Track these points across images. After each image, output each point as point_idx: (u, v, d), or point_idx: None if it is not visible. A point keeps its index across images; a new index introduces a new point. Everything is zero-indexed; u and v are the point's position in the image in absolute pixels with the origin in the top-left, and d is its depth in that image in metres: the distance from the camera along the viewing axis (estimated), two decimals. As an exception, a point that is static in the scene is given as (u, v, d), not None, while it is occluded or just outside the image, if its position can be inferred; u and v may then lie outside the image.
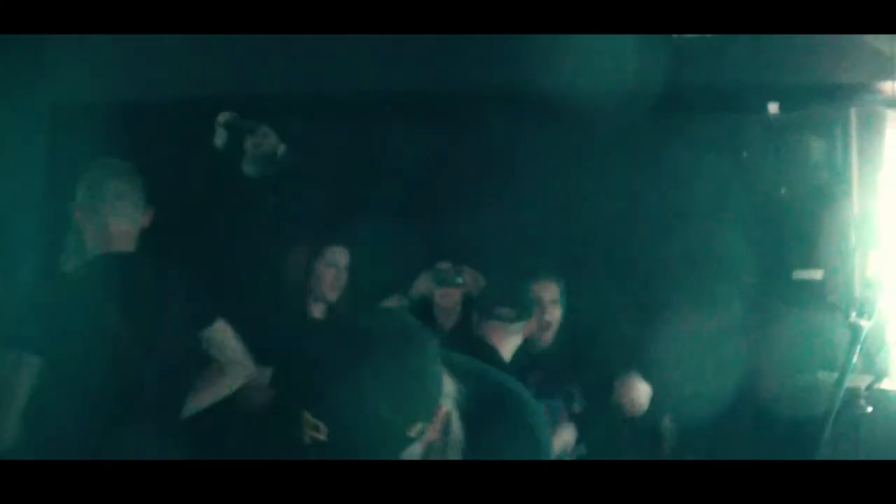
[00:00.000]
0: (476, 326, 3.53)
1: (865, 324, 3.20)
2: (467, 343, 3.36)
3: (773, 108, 4.14)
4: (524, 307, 3.54)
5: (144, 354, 3.04)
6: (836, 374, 3.20)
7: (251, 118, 3.82)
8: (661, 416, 4.01)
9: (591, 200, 4.27)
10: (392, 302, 3.81)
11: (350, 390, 1.69)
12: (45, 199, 3.90)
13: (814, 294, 3.94)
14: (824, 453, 3.09)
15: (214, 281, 3.39)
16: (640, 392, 3.76)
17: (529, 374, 3.65)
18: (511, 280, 3.64)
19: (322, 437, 1.68)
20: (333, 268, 3.73)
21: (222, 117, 3.79)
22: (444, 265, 3.89)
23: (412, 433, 1.73)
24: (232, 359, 3.23)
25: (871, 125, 4.04)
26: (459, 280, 3.82)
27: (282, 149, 3.79)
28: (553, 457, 2.47)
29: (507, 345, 3.51)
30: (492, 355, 3.37)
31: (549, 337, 3.85)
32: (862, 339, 3.20)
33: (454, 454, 1.81)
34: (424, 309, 3.76)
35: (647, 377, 3.87)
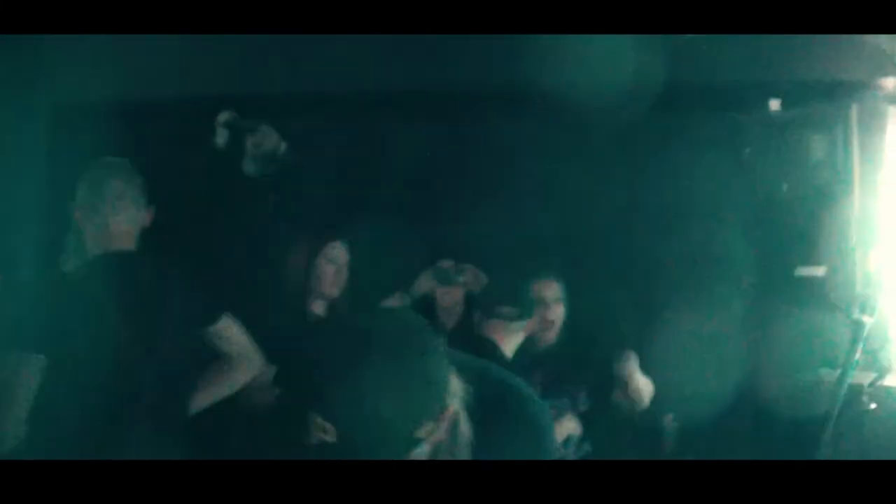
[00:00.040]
0: (478, 325, 3.54)
1: (867, 321, 3.20)
2: (469, 341, 3.37)
3: (774, 105, 4.14)
4: (525, 306, 3.54)
5: (146, 353, 3.05)
6: (838, 372, 3.20)
7: (252, 117, 3.82)
8: (663, 416, 4.01)
9: (592, 200, 4.27)
10: (393, 301, 3.81)
11: (358, 392, 1.69)
12: (46, 199, 3.90)
13: (815, 292, 3.94)
14: (827, 451, 3.09)
15: (215, 280, 3.39)
16: (637, 369, 3.77)
17: (533, 373, 3.65)
18: (512, 279, 3.64)
19: (331, 438, 1.67)
20: (334, 265, 3.73)
21: (223, 116, 3.80)
22: (446, 264, 3.89)
23: (421, 434, 1.73)
24: (242, 353, 3.24)
25: (871, 123, 4.04)
26: (460, 279, 3.82)
27: (283, 148, 3.80)
28: (557, 448, 2.47)
29: (509, 343, 3.51)
30: (494, 353, 3.37)
31: (552, 336, 3.85)
32: (864, 336, 3.19)
33: (463, 454, 1.81)
34: (426, 307, 3.77)
35: (649, 377, 3.88)
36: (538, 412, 2.09)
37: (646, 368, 3.86)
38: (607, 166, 4.27)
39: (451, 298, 3.85)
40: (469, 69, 4.07)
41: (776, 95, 4.13)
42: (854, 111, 4.07)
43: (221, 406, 3.30)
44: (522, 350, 3.58)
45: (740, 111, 4.29)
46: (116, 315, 2.98)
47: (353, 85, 4.10)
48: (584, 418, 3.75)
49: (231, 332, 3.22)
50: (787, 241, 4.07)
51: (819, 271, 3.95)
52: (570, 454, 3.65)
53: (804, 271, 3.98)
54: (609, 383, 3.81)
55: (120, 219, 3.13)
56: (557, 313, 3.87)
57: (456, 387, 1.80)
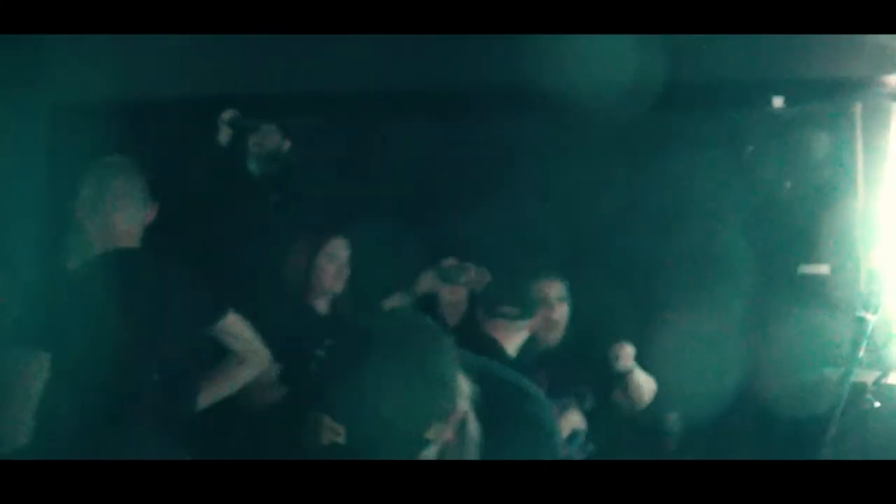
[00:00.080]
0: (480, 324, 3.53)
1: (871, 319, 3.19)
2: (472, 340, 3.36)
3: (776, 104, 4.13)
4: (527, 305, 3.54)
5: (152, 351, 3.05)
6: (842, 370, 3.18)
7: (254, 116, 3.83)
8: (667, 416, 4.00)
9: (593, 199, 4.27)
10: (395, 299, 3.82)
11: (369, 393, 1.69)
12: (48, 199, 3.91)
13: (818, 290, 3.93)
14: (831, 450, 3.07)
15: (219, 277, 3.40)
16: (635, 364, 3.76)
17: (538, 373, 3.65)
18: (514, 277, 3.64)
19: (341, 439, 1.68)
20: (334, 261, 3.73)
21: (226, 115, 3.81)
22: (449, 262, 3.89)
23: (430, 434, 1.73)
24: (249, 349, 3.26)
25: (876, 120, 4.03)
26: (461, 278, 3.82)
27: (285, 147, 3.81)
28: (563, 447, 2.47)
29: (512, 342, 3.51)
30: (496, 352, 3.37)
31: (556, 335, 3.85)
32: (868, 333, 3.18)
33: (471, 454, 1.81)
34: (428, 306, 3.77)
35: (655, 376, 3.87)
36: (543, 411, 2.09)
37: (648, 368, 3.85)
38: (608, 166, 4.26)
39: (454, 297, 3.85)
40: (469, 69, 4.07)
41: (778, 94, 4.12)
42: (857, 109, 4.06)
43: (227, 405, 3.30)
44: (526, 350, 3.58)
45: (742, 110, 4.28)
46: (121, 313, 2.98)
47: (355, 84, 4.11)
48: (589, 417, 3.74)
49: (238, 328, 3.24)
50: (790, 239, 4.06)
51: (822, 269, 3.94)
52: (575, 453, 3.65)
53: (807, 270, 3.97)
54: (611, 382, 3.81)
55: (123, 217, 3.14)
56: (561, 313, 3.86)
57: (464, 387, 1.79)
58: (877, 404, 3.36)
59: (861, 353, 3.16)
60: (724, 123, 4.31)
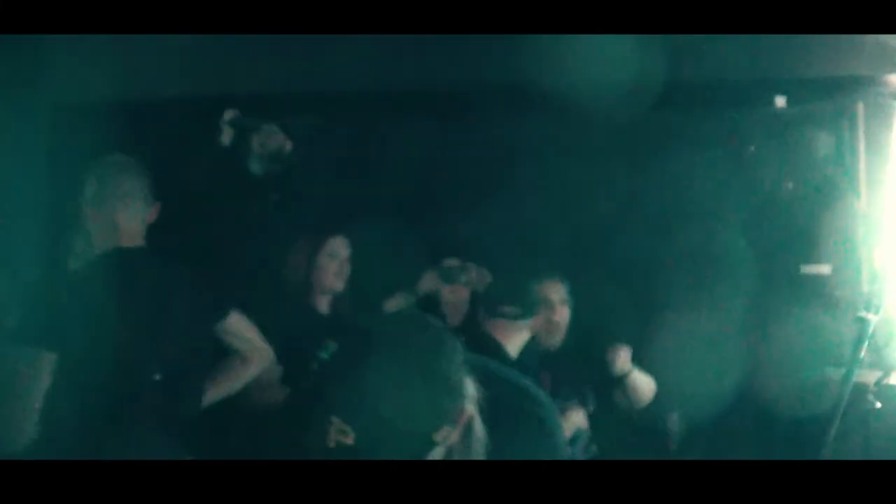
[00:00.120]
0: (481, 324, 3.53)
1: (873, 318, 3.18)
2: (473, 340, 3.35)
3: (778, 103, 4.13)
4: (529, 304, 3.53)
5: (154, 349, 3.06)
6: (843, 370, 3.18)
7: (255, 116, 3.83)
8: (668, 416, 4.00)
9: (594, 199, 4.27)
10: (396, 299, 3.82)
11: (379, 394, 1.69)
12: (53, 198, 3.91)
13: (820, 289, 3.92)
14: (833, 450, 3.07)
15: (220, 278, 3.40)
16: (630, 363, 3.76)
17: (541, 375, 3.64)
18: (516, 277, 3.64)
19: (349, 441, 1.68)
20: (336, 258, 3.73)
21: (228, 116, 3.81)
22: (451, 262, 3.89)
23: (438, 437, 1.73)
24: (252, 348, 3.27)
25: (878, 119, 4.03)
26: (463, 278, 3.82)
27: (288, 147, 3.81)
28: (565, 446, 2.47)
29: (514, 342, 3.50)
30: (497, 353, 3.36)
31: (558, 337, 3.85)
32: (870, 333, 3.17)
33: (477, 457, 1.80)
34: (429, 306, 3.77)
35: (655, 376, 3.87)
36: (546, 412, 2.09)
37: (648, 368, 3.85)
38: (608, 166, 4.26)
39: (455, 297, 3.85)
40: (469, 69, 4.07)
41: (779, 93, 4.12)
42: (858, 109, 4.06)
43: (229, 405, 3.30)
44: (529, 351, 3.57)
45: (742, 110, 4.27)
46: (124, 312, 2.99)
47: (355, 84, 4.11)
48: (592, 418, 3.74)
49: (240, 328, 3.25)
50: (792, 239, 4.05)
51: (824, 269, 3.94)
52: (578, 454, 3.64)
53: (809, 269, 3.97)
54: (612, 382, 3.81)
55: (126, 216, 3.14)
56: (563, 315, 3.86)
57: (470, 389, 1.79)
58: (878, 405, 3.35)
59: (862, 354, 3.15)
60: (724, 123, 4.30)
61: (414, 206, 4.34)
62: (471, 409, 1.77)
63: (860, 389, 3.32)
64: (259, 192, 3.85)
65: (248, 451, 3.30)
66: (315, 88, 4.15)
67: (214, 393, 3.25)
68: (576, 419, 3.65)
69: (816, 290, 3.93)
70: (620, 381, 3.80)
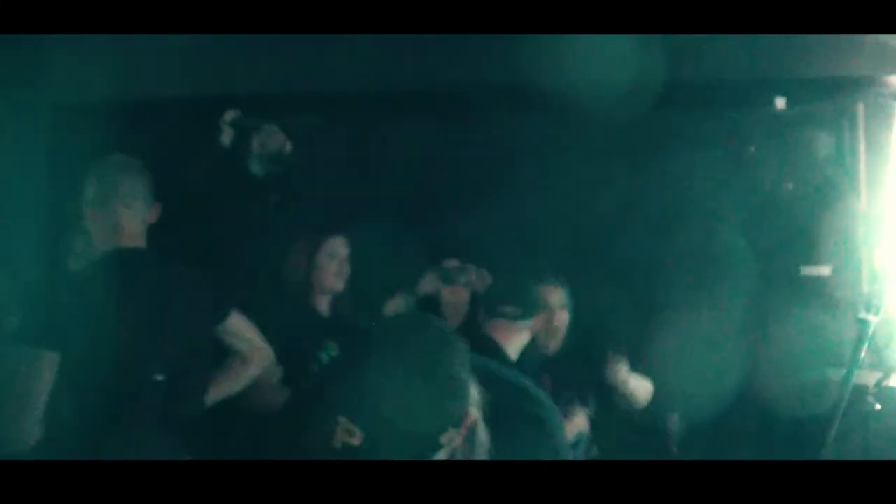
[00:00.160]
0: (482, 324, 3.53)
1: (873, 319, 3.17)
2: (473, 341, 3.35)
3: (780, 102, 4.12)
4: (529, 305, 3.53)
5: (156, 350, 3.06)
6: (843, 371, 3.17)
7: (255, 116, 3.83)
8: (668, 416, 3.99)
9: (594, 199, 4.26)
10: (397, 300, 3.81)
11: (386, 397, 1.69)
12: (55, 198, 3.91)
13: (820, 290, 3.92)
14: (832, 451, 3.06)
15: (221, 278, 3.40)
16: (629, 375, 3.76)
17: (542, 378, 3.64)
18: (516, 278, 3.63)
19: (356, 442, 1.68)
20: (335, 258, 3.73)
21: (228, 116, 3.81)
22: (451, 263, 3.89)
23: (444, 440, 1.73)
24: (252, 348, 3.27)
25: (878, 119, 4.03)
26: (462, 279, 3.81)
27: (288, 147, 3.81)
28: (567, 447, 2.48)
29: (514, 343, 3.50)
30: (497, 354, 3.36)
31: (557, 341, 3.85)
32: (870, 334, 3.17)
33: (480, 458, 1.81)
34: (430, 307, 3.76)
35: (655, 376, 3.86)
36: (548, 413, 2.10)
37: (649, 368, 3.85)
38: (608, 166, 4.26)
39: (455, 298, 3.85)
40: (469, 69, 4.07)
41: (779, 94, 4.11)
42: (858, 109, 4.06)
43: (232, 406, 3.31)
44: (529, 354, 3.57)
45: (742, 110, 4.27)
46: (126, 313, 2.99)
47: (355, 84, 4.11)
48: (592, 421, 3.74)
49: (241, 328, 3.25)
50: (792, 239, 4.05)
51: (824, 270, 3.94)
52: (581, 457, 3.64)
53: (809, 270, 3.96)
54: (611, 388, 3.81)
55: (128, 216, 3.14)
56: (562, 319, 3.86)
57: (474, 392, 1.80)
58: (878, 406, 3.35)
59: (862, 355, 3.14)
60: (724, 123, 4.30)
61: (414, 206, 4.34)
62: (475, 412, 1.78)
63: (860, 391, 3.32)
64: (259, 193, 3.85)
65: (250, 451, 3.30)
66: (315, 88, 4.15)
67: (215, 393, 3.25)
68: (578, 423, 3.65)
69: (816, 291, 3.92)
70: (619, 390, 3.80)
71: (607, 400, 3.82)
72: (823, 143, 4.11)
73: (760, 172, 4.19)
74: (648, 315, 4.05)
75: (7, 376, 2.94)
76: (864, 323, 3.18)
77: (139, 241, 3.17)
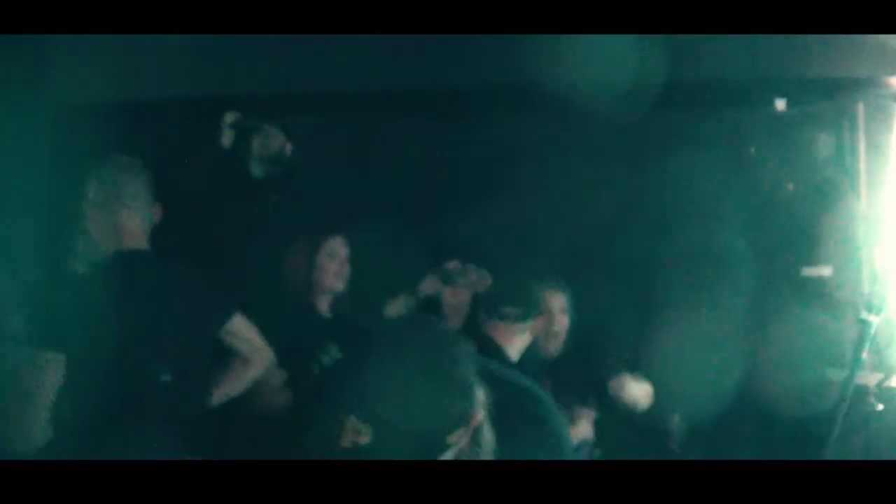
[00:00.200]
0: (482, 326, 3.52)
1: (874, 320, 3.17)
2: (474, 342, 3.34)
3: (780, 103, 4.12)
4: (529, 306, 3.53)
5: (160, 351, 3.06)
6: (844, 372, 3.17)
7: (255, 117, 3.83)
8: (669, 416, 3.99)
9: (595, 199, 4.27)
10: (398, 301, 3.81)
11: (395, 397, 1.72)
12: (53, 199, 3.91)
13: (822, 291, 3.92)
14: (834, 451, 3.06)
15: (223, 279, 3.40)
16: (635, 389, 3.76)
17: (543, 382, 3.63)
18: (516, 278, 3.63)
19: (364, 441, 1.68)
20: (335, 258, 3.73)
21: (228, 118, 3.80)
22: (453, 264, 3.88)
23: (451, 440, 1.75)
24: (254, 350, 3.27)
25: (878, 119, 4.03)
26: (463, 280, 3.81)
27: (288, 148, 3.81)
28: (570, 445, 2.49)
29: (514, 344, 3.50)
30: (498, 354, 3.36)
31: (557, 346, 3.85)
32: (871, 335, 3.16)
33: (487, 458, 1.83)
34: (431, 308, 3.76)
35: (656, 376, 3.86)
36: (549, 413, 2.11)
37: (651, 369, 3.84)
38: (608, 166, 4.26)
39: (456, 299, 3.84)
40: (469, 69, 4.07)
41: (780, 94, 4.11)
42: (859, 109, 4.06)
43: (235, 406, 3.30)
44: (530, 358, 3.56)
45: (742, 110, 4.27)
46: (131, 314, 2.99)
47: (355, 84, 4.11)
48: (596, 426, 3.74)
49: (242, 329, 3.25)
50: (793, 240, 4.05)
51: (825, 270, 3.94)
52: (583, 457, 3.64)
53: (810, 271, 3.96)
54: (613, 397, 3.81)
55: (131, 217, 3.15)
56: (562, 324, 3.86)
57: (479, 392, 1.81)
58: (879, 406, 3.35)
59: (864, 355, 3.14)
60: (724, 123, 4.30)
61: (414, 206, 4.34)
62: (481, 412, 1.79)
63: (861, 391, 3.32)
64: (259, 193, 3.85)
65: (253, 452, 3.30)
66: (315, 88, 4.15)
67: (217, 394, 3.25)
68: (582, 429, 3.64)
69: (817, 292, 3.92)
70: (622, 400, 3.79)
71: (608, 402, 3.81)
72: (824, 144, 4.11)
73: (761, 173, 4.19)
74: (648, 315, 4.05)
75: (14, 377, 2.94)
76: (865, 323, 3.17)
77: (141, 242, 3.17)
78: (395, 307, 3.84)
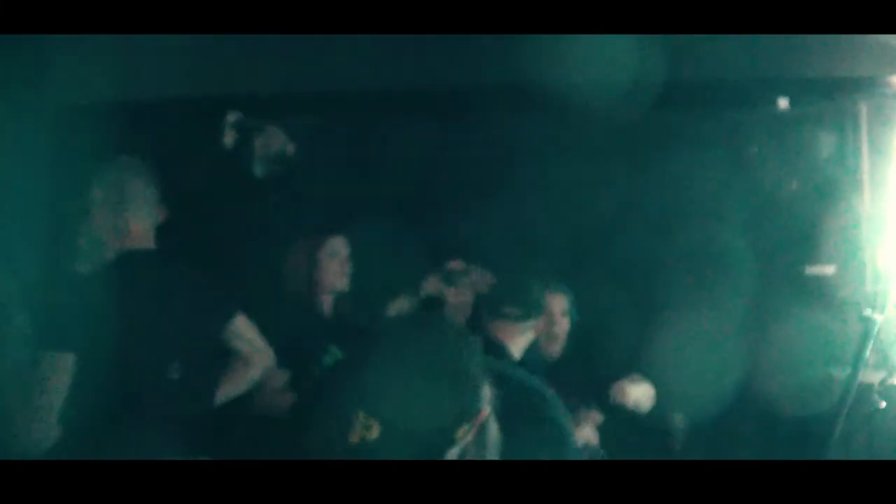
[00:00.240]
0: (485, 325, 3.53)
1: (878, 318, 3.17)
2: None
3: (782, 102, 4.13)
4: (531, 305, 3.53)
5: (165, 352, 3.07)
6: (847, 370, 3.17)
7: (255, 117, 3.83)
8: (672, 415, 3.99)
9: (595, 199, 4.26)
10: (400, 301, 3.81)
11: (405, 392, 1.73)
12: (54, 200, 3.91)
13: (825, 289, 3.92)
14: (837, 450, 3.06)
15: (227, 279, 3.41)
16: (636, 393, 3.75)
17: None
18: (517, 278, 3.63)
19: (373, 436, 1.68)
20: (337, 257, 3.73)
21: (230, 118, 3.81)
22: (455, 264, 3.88)
23: (458, 434, 1.76)
24: (255, 349, 3.27)
25: (881, 119, 4.03)
26: (465, 280, 3.81)
27: (290, 148, 3.81)
28: (574, 442, 2.50)
29: (517, 344, 3.51)
30: (501, 354, 3.36)
31: (557, 348, 3.85)
32: (874, 333, 3.17)
33: (493, 456, 1.84)
34: (434, 308, 3.76)
35: (658, 376, 3.86)
36: (558, 413, 2.12)
37: (652, 369, 3.84)
38: (608, 166, 4.26)
39: (458, 299, 3.84)
40: (469, 69, 4.07)
41: (782, 93, 4.11)
42: (861, 108, 4.06)
43: (238, 407, 3.30)
44: (531, 360, 3.56)
45: (743, 110, 4.27)
46: (140, 314, 3.00)
47: (355, 84, 4.10)
48: (600, 430, 3.74)
49: (244, 330, 3.25)
50: (795, 239, 4.05)
51: (828, 269, 3.94)
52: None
53: (813, 269, 3.96)
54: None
55: (137, 218, 3.15)
56: (563, 326, 3.86)
57: (486, 387, 1.82)
58: (882, 404, 3.35)
59: (867, 354, 3.14)
60: (724, 123, 4.30)
61: (414, 206, 4.34)
62: (487, 408, 1.79)
63: (864, 389, 3.31)
64: (260, 193, 3.85)
65: (257, 452, 3.30)
66: (315, 88, 4.15)
67: (218, 395, 3.25)
68: (586, 434, 3.64)
69: (820, 291, 3.92)
70: (624, 407, 3.79)
71: (610, 406, 3.81)
72: (826, 143, 4.11)
73: (762, 172, 4.19)
74: (649, 315, 4.05)
75: (23, 378, 2.93)
76: (868, 321, 3.17)
77: (147, 243, 3.17)
78: (397, 307, 3.83)
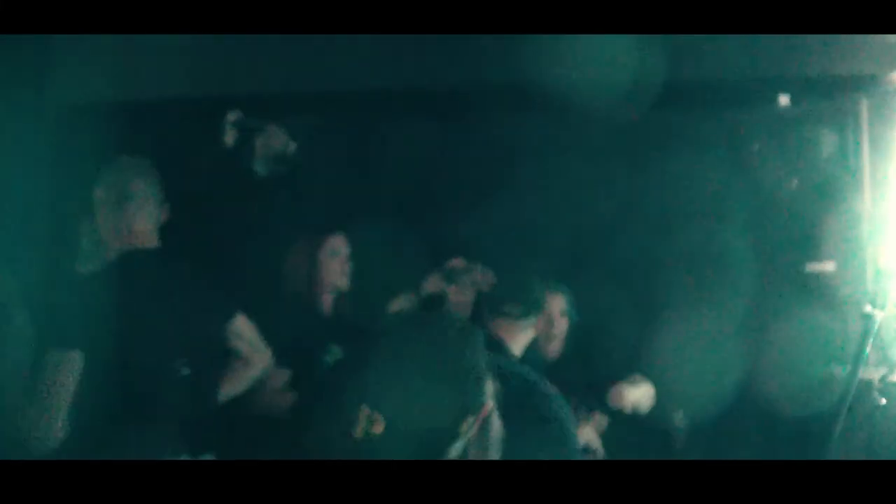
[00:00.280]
0: (486, 323, 3.53)
1: (878, 315, 3.17)
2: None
3: (783, 100, 4.13)
4: (531, 304, 3.53)
5: (169, 351, 3.07)
6: (848, 367, 3.17)
7: (256, 116, 3.84)
8: (672, 415, 3.99)
9: (595, 199, 4.26)
10: (401, 300, 3.81)
11: (407, 387, 1.74)
12: (56, 200, 3.91)
13: (826, 287, 3.92)
14: (838, 448, 3.06)
15: (228, 279, 3.41)
16: (635, 395, 3.75)
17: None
18: (517, 277, 3.64)
19: (378, 430, 1.69)
20: (338, 256, 3.74)
21: (231, 117, 3.81)
22: (457, 263, 3.89)
23: (462, 428, 1.76)
24: (255, 349, 3.28)
25: (881, 117, 4.03)
26: (467, 278, 3.81)
27: (291, 148, 3.82)
28: (576, 439, 2.50)
29: (518, 341, 3.51)
30: (502, 351, 3.37)
31: (556, 348, 3.85)
32: (875, 330, 3.17)
33: (494, 451, 1.84)
34: (435, 306, 3.75)
35: (658, 376, 3.86)
36: (561, 409, 2.12)
37: (652, 369, 3.84)
38: (608, 166, 4.26)
39: (460, 298, 3.84)
40: (469, 69, 4.07)
41: (783, 92, 4.11)
42: (862, 107, 4.06)
43: (239, 407, 3.30)
44: (531, 360, 3.56)
45: (744, 109, 4.27)
46: (144, 313, 3.01)
47: (355, 84, 4.11)
48: (601, 433, 3.74)
49: (244, 330, 3.26)
50: (798, 236, 4.06)
51: (828, 267, 3.94)
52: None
53: (814, 267, 3.97)
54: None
55: (140, 218, 3.16)
56: (561, 326, 3.87)
57: (489, 383, 1.83)
58: (883, 402, 3.35)
59: (867, 351, 3.14)
60: (724, 123, 4.30)
61: (414, 206, 4.34)
62: (491, 402, 1.80)
63: (865, 387, 3.31)
64: (262, 193, 3.85)
65: (258, 452, 3.30)
66: (315, 88, 4.15)
67: (219, 395, 3.25)
68: (587, 436, 3.64)
69: (821, 289, 3.93)
70: (624, 410, 3.80)
71: (609, 408, 3.81)
72: (827, 142, 4.11)
73: (763, 171, 4.19)
74: (649, 315, 4.05)
75: (30, 377, 2.94)
76: (869, 318, 3.17)
77: (151, 242, 3.18)
78: (398, 306, 3.83)
